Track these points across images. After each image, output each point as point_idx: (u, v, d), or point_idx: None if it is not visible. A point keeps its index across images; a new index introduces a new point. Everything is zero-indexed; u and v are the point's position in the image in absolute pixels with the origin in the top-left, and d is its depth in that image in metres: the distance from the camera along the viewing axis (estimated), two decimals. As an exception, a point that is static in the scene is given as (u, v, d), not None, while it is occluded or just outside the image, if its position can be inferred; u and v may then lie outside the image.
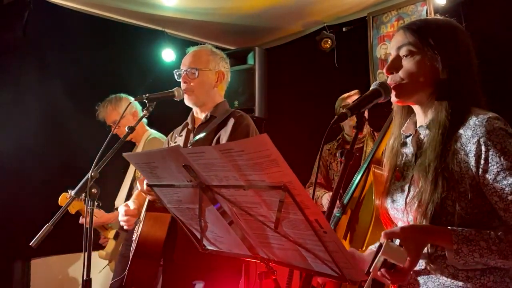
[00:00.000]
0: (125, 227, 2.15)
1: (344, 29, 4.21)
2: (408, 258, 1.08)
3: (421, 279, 1.23)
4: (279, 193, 0.94)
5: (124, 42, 4.03)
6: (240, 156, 0.93)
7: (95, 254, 2.97)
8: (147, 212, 2.02)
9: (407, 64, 1.25)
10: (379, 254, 1.10)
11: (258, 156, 0.90)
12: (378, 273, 1.12)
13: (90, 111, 3.57)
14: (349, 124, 3.11)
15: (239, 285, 2.13)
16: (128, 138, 2.83)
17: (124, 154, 1.28)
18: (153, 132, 3.09)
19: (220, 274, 2.03)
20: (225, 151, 0.94)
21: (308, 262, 1.09)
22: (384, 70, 1.31)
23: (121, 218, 2.11)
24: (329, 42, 4.20)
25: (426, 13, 3.54)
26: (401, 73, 1.26)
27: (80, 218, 2.93)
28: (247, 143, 0.91)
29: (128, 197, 3.05)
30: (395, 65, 1.27)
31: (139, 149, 3.03)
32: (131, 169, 3.09)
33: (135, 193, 2.28)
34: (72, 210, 2.84)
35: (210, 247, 1.37)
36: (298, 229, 1.00)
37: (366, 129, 3.08)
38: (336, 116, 1.19)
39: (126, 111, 3.02)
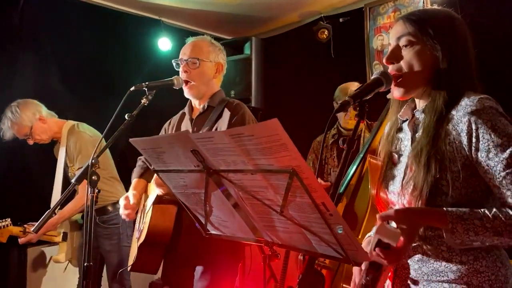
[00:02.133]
0: (126, 220, 2.18)
1: (341, 20, 4.22)
2: (401, 238, 1.12)
3: (416, 264, 1.26)
4: (287, 177, 0.96)
5: (120, 30, 4.00)
6: (250, 141, 0.95)
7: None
8: (155, 205, 2.11)
9: (407, 54, 1.27)
10: (373, 235, 1.14)
11: (268, 140, 0.92)
12: (374, 252, 1.16)
13: (86, 100, 3.57)
14: (344, 116, 2.92)
15: (238, 269, 2.18)
16: (48, 138, 2.99)
17: (131, 140, 1.28)
18: (69, 122, 3.03)
19: (220, 259, 2.07)
20: (235, 135, 0.96)
21: (312, 244, 1.11)
22: (384, 60, 1.32)
23: (122, 211, 2.15)
24: (325, 33, 4.20)
25: (423, 4, 3.55)
26: (402, 63, 1.28)
27: (19, 239, 2.93)
28: (258, 128, 0.93)
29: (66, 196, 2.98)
30: (395, 55, 1.29)
31: (63, 141, 2.97)
32: (59, 166, 3.00)
33: (132, 184, 2.28)
34: (3, 238, 2.85)
35: (213, 232, 1.39)
36: (304, 212, 1.02)
37: (363, 123, 2.93)
38: (339, 104, 1.21)
39: (31, 120, 2.93)
